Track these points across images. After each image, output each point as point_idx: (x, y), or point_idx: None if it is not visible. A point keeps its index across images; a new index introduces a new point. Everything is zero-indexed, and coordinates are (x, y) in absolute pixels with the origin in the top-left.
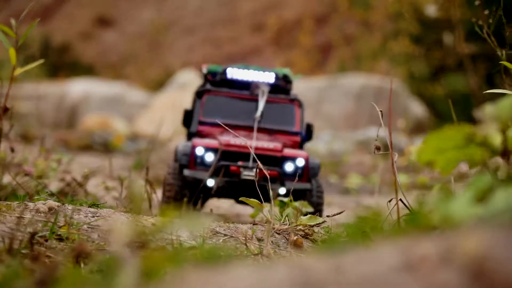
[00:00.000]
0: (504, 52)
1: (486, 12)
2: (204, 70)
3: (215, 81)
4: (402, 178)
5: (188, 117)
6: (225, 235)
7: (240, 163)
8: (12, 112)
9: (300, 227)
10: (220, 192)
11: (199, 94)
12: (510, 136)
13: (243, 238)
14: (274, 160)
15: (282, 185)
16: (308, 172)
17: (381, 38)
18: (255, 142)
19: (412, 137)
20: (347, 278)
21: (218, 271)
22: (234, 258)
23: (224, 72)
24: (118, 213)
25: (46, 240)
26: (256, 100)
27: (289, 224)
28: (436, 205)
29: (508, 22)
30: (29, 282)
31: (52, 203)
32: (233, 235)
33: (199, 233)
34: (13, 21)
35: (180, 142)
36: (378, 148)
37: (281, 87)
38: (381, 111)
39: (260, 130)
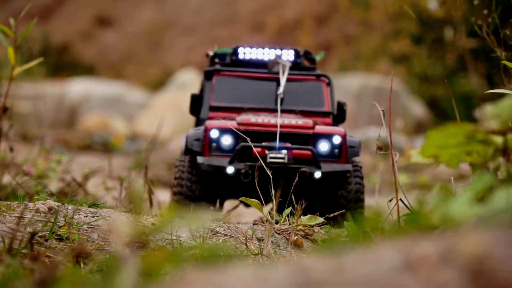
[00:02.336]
0: (503, 51)
1: (485, 11)
2: (211, 53)
3: (225, 65)
4: (402, 178)
5: (196, 103)
6: (225, 235)
7: (265, 144)
8: (12, 112)
9: (301, 227)
10: (240, 184)
11: (208, 74)
12: (510, 135)
13: (243, 238)
14: (306, 139)
15: (317, 167)
16: (346, 152)
17: (381, 37)
18: (281, 120)
19: (411, 137)
20: (347, 278)
21: (218, 271)
22: (234, 258)
23: (235, 52)
24: (118, 213)
25: (46, 240)
26: (275, 79)
27: (289, 224)
28: (436, 205)
29: (506, 22)
30: (29, 282)
31: (52, 203)
32: (233, 235)
33: (199, 233)
34: (12, 21)
35: (190, 129)
36: (380, 148)
37: (302, 65)
38: (383, 110)
39: (284, 112)
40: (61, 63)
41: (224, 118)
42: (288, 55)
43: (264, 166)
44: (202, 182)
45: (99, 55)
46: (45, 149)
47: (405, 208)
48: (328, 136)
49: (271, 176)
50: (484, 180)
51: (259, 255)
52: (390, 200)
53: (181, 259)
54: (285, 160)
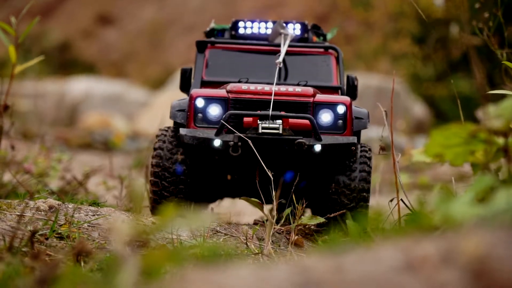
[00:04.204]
0: (504, 52)
1: (486, 15)
2: (208, 29)
3: (223, 41)
4: (403, 178)
5: (186, 78)
6: (225, 234)
7: (258, 112)
8: (12, 110)
9: (301, 227)
10: (229, 160)
11: (200, 46)
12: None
13: (244, 238)
14: (305, 108)
15: (317, 139)
16: (351, 123)
17: (381, 37)
18: (276, 87)
19: (412, 137)
20: (347, 278)
21: (219, 271)
22: (235, 257)
23: (234, 27)
24: (119, 211)
25: (47, 239)
26: (277, 52)
27: (290, 224)
28: (437, 206)
29: (506, 24)
30: (29, 280)
31: (52, 201)
32: (234, 235)
33: (199, 232)
34: (13, 19)
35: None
36: (383, 149)
37: (311, 41)
38: (385, 111)
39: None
40: (62, 61)
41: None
42: (294, 29)
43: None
44: (185, 160)
45: (100, 53)
46: (46, 147)
47: (406, 208)
48: (331, 105)
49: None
50: (485, 181)
51: (260, 254)
52: (391, 200)
53: (181, 258)
54: (280, 131)
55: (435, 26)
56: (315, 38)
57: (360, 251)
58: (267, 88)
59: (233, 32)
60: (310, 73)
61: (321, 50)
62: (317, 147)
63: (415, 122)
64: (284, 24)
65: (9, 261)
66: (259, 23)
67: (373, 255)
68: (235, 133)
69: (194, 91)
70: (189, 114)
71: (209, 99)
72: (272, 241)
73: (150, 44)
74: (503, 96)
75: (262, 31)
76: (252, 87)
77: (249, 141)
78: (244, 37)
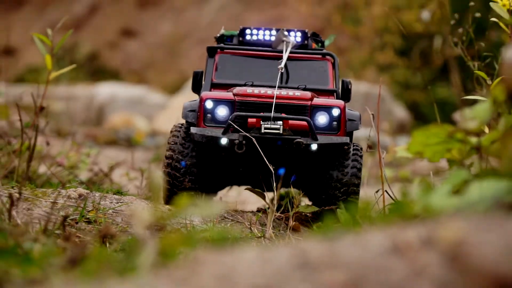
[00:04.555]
0: (476, 63)
1: (461, 30)
2: (218, 35)
3: (232, 46)
4: (387, 172)
5: (198, 80)
6: (232, 220)
7: (260, 114)
8: (48, 111)
9: (298, 214)
10: (235, 156)
11: (211, 52)
12: (483, 137)
13: (248, 223)
14: (303, 110)
15: (314, 138)
16: (345, 125)
17: (369, 50)
18: (278, 91)
19: (395, 137)
20: (340, 260)
21: (227, 252)
22: (240, 240)
23: (241, 34)
24: (139, 200)
25: (77, 223)
26: (279, 58)
27: (288, 211)
28: (418, 197)
29: (477, 39)
30: (61, 259)
31: (81, 190)
32: (239, 221)
33: (209, 218)
34: (49, 31)
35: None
36: (370, 147)
37: (310, 47)
38: (372, 114)
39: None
40: (91, 69)
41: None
42: (295, 37)
43: (253, 139)
44: (195, 155)
45: (123, 62)
46: (76, 143)
47: (390, 199)
48: (327, 108)
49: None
50: (460, 175)
51: (262, 238)
52: (377, 191)
53: (194, 241)
54: (280, 131)
55: (416, 40)
56: (314, 45)
57: (351, 236)
58: (269, 92)
59: (240, 38)
60: (309, 77)
61: (319, 56)
62: (314, 146)
63: (397, 123)
64: (286, 32)
65: (44, 242)
66: (264, 30)
67: (363, 240)
68: (240, 132)
69: (204, 93)
70: (199, 114)
71: (217, 101)
72: (273, 226)
73: (168, 54)
74: (475, 101)
75: (267, 38)
76: (256, 90)
77: (253, 139)
78: (251, 43)
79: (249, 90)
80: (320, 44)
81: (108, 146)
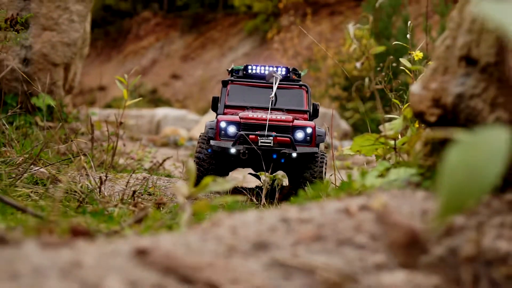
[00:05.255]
0: (393, 94)
1: (383, 74)
2: (230, 69)
3: (239, 77)
4: (337, 163)
5: (216, 103)
6: (239, 192)
7: (257, 132)
8: (124, 125)
9: (283, 190)
10: (241, 159)
11: (224, 83)
12: (398, 140)
13: (250, 195)
14: (287, 129)
15: (294, 149)
16: (315, 139)
17: (325, 87)
18: (269, 115)
19: (341, 141)
20: (307, 216)
21: (236, 213)
22: (244, 206)
23: (245, 69)
24: (181, 180)
25: (141, 195)
26: (270, 87)
27: (277, 187)
28: (357, 179)
29: (393, 79)
30: (131, 218)
31: (145, 174)
32: (244, 193)
33: (224, 191)
34: (125, 76)
35: (208, 121)
36: (326, 147)
37: (291, 78)
38: (327, 127)
39: (277, 109)
40: (152, 99)
41: (231, 115)
42: (281, 71)
43: (256, 148)
44: (214, 157)
45: (172, 95)
46: (142, 145)
47: (340, 180)
48: (303, 128)
49: (261, 154)
50: (383, 165)
51: (259, 205)
52: (331, 175)
53: (214, 207)
54: (271, 144)
55: (354, 81)
56: (294, 76)
57: (315, 204)
58: (264, 116)
59: (244, 72)
60: (291, 101)
61: (298, 86)
62: (294, 154)
63: (342, 133)
64: (276, 70)
65: (121, 207)
66: (260, 67)
67: (323, 206)
68: (244, 145)
69: (220, 116)
70: (216, 131)
71: (228, 122)
72: (265, 197)
73: (199, 90)
74: (392, 119)
75: (262, 71)
76: (255, 115)
77: (256, 147)
78: (251, 75)
79: (250, 114)
80: (297, 75)
81: (162, 147)
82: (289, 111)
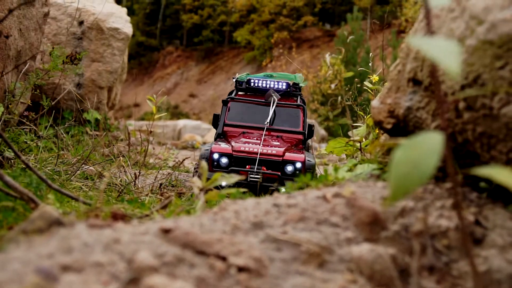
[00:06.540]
0: (358, 108)
1: (350, 92)
2: (234, 78)
3: (242, 88)
4: (316, 160)
5: (216, 120)
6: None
7: (248, 167)
8: (154, 133)
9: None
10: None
11: (225, 102)
12: (363, 143)
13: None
14: (277, 164)
15: (282, 184)
16: (305, 172)
17: (306, 102)
18: (261, 149)
19: (320, 143)
20: (294, 202)
21: (239, 201)
22: (245, 196)
23: (248, 82)
24: (197, 176)
25: (166, 186)
26: (269, 106)
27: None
28: (332, 172)
29: (358, 96)
30: (159, 205)
31: (169, 171)
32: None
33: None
34: (154, 95)
35: (205, 145)
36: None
37: (292, 92)
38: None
39: (273, 130)
40: (174, 113)
41: (232, 133)
42: (283, 85)
43: (245, 184)
44: None
45: (190, 109)
46: (167, 148)
47: (319, 174)
48: (293, 162)
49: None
50: (352, 162)
51: (257, 196)
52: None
53: (222, 196)
54: (260, 180)
55: (329, 98)
56: (294, 90)
57: (300, 192)
58: (255, 149)
59: (247, 85)
60: (287, 120)
61: (295, 106)
62: (282, 189)
63: (321, 137)
64: (274, 90)
65: (150, 196)
66: (262, 81)
67: (306, 194)
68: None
69: (213, 147)
70: (209, 162)
71: (221, 154)
72: (262, 193)
73: (211, 106)
74: (358, 126)
75: (264, 85)
76: (246, 148)
77: (248, 180)
78: (253, 88)
79: (242, 147)
80: (298, 89)
81: (183, 149)
82: (285, 132)
